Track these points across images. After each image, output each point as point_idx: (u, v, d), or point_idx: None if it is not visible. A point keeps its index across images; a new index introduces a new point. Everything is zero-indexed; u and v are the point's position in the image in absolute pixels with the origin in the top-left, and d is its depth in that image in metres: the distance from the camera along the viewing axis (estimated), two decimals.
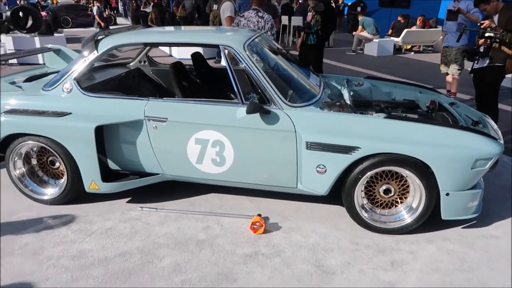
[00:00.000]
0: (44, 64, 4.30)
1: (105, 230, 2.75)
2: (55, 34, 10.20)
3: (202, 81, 3.70)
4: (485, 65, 4.19)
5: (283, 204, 3.10)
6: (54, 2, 24.07)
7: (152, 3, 14.72)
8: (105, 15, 17.03)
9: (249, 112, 2.59)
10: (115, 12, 24.88)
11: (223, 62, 3.24)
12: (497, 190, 3.32)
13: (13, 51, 9.14)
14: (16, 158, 3.03)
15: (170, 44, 3.92)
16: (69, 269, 2.35)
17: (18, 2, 13.32)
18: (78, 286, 2.21)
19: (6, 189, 3.24)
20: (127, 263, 2.40)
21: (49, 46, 4.33)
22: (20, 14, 9.30)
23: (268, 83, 2.69)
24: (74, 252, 2.50)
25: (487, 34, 4.17)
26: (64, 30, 13.71)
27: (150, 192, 3.18)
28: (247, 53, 2.77)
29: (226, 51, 2.80)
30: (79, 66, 2.92)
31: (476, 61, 4.29)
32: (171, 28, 3.95)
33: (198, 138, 2.78)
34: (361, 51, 11.70)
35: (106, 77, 3.51)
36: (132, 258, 2.46)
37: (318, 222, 2.87)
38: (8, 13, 9.57)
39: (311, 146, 2.61)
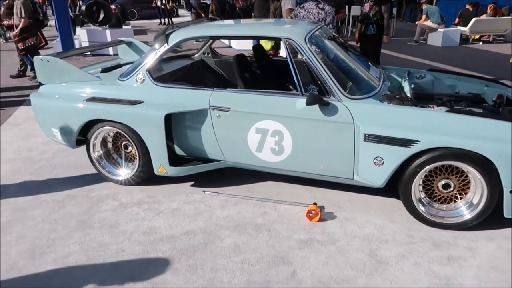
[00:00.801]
0: (117, 55, 4.64)
1: (172, 210, 2.99)
2: (123, 27, 10.86)
3: (263, 72, 3.82)
4: None
5: (338, 194, 3.16)
6: None
7: None
8: (168, 7, 17.74)
9: (308, 103, 2.67)
10: (176, 4, 25.73)
11: (284, 54, 3.33)
12: None
13: (87, 42, 9.90)
14: (95, 141, 3.35)
15: (234, 37, 4.09)
16: (141, 243, 2.60)
17: None
18: (148, 259, 2.44)
19: (85, 169, 3.61)
20: (192, 241, 2.62)
21: (122, 39, 4.67)
22: (93, 8, 10.04)
23: (328, 75, 2.75)
24: (145, 229, 2.76)
25: None
26: (131, 22, 14.44)
27: (211, 177, 3.39)
28: (308, 45, 2.84)
29: (288, 43, 2.90)
30: (151, 58, 3.16)
31: None
32: (234, 21, 4.10)
33: (259, 127, 2.92)
34: (424, 42, 11.21)
35: (173, 68, 3.75)
36: (196, 237, 2.66)
37: (373, 213, 2.91)
38: (83, 8, 10.29)
39: (369, 138, 2.64)
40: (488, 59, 8.92)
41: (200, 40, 3.80)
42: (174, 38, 3.13)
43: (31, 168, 3.71)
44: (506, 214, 2.55)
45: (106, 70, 3.82)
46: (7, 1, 7.63)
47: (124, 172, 3.35)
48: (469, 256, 2.45)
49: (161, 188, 3.29)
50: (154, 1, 19.33)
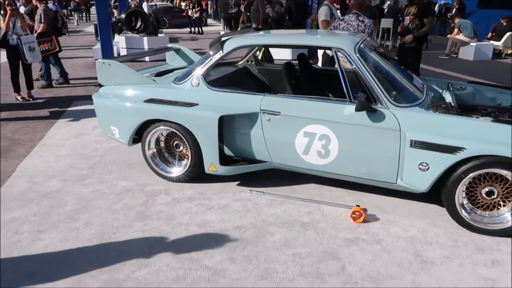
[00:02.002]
0: (165, 61, 4.91)
1: (222, 206, 3.18)
2: (158, 35, 11.30)
3: (307, 79, 4.00)
4: None
5: (380, 198, 3.29)
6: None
7: (242, 6, 15.50)
8: (195, 16, 18.23)
9: (358, 109, 2.83)
10: (205, 13, 26.36)
11: (343, 63, 3.52)
12: None
13: (125, 49, 10.34)
14: (150, 140, 3.59)
15: (286, 46, 4.27)
16: (197, 234, 2.80)
17: (129, 4, 14.80)
18: (206, 248, 2.63)
19: (136, 166, 3.86)
20: (244, 235, 2.79)
21: (169, 45, 4.95)
22: (132, 17, 10.51)
23: (376, 83, 2.91)
24: (199, 221, 2.96)
25: None
26: (163, 30, 14.93)
27: (256, 178, 3.57)
28: (357, 55, 3.01)
29: (339, 53, 3.07)
30: (206, 64, 3.38)
31: None
32: (285, 31, 4.31)
33: (307, 131, 3.09)
34: (455, 55, 11.20)
35: (221, 74, 3.97)
36: (247, 231, 2.84)
37: (415, 217, 3.02)
38: (122, 16, 10.76)
39: (415, 144, 2.77)
40: None
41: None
42: (229, 46, 3.35)
43: (87, 163, 3.98)
44: None
45: (159, 74, 4.08)
46: (27, 8, 8.02)
47: (177, 170, 3.57)
48: None
49: (209, 186, 3.49)
50: (185, 11, 19.96)
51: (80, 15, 25.31)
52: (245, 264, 2.48)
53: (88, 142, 4.57)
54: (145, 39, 10.37)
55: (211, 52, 3.42)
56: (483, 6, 14.55)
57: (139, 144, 3.71)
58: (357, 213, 2.97)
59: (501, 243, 2.71)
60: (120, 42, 10.51)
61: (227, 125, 3.34)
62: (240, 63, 4.50)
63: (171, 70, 4.28)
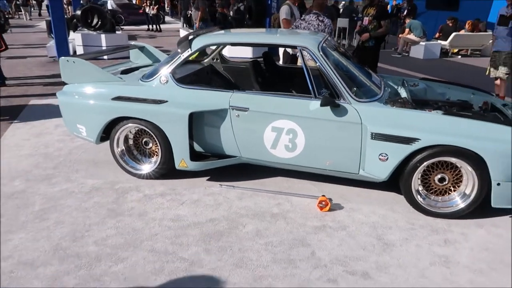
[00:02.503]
0: (127, 59, 4.88)
1: (194, 201, 3.25)
2: (116, 32, 11.04)
3: (272, 77, 4.14)
4: None
5: (343, 188, 3.49)
6: None
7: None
8: (153, 13, 17.94)
9: (322, 105, 3.01)
10: (163, 11, 25.93)
11: (299, 61, 3.66)
12: None
13: (82, 46, 10.03)
14: (119, 138, 3.58)
15: (253, 44, 4.39)
16: (171, 228, 2.86)
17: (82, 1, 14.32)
18: (181, 241, 2.70)
19: (103, 164, 3.84)
20: (217, 227, 2.89)
21: (133, 43, 4.92)
22: (88, 13, 10.22)
23: (339, 80, 3.10)
24: (172, 216, 3.01)
25: None
26: (119, 27, 14.58)
27: (226, 172, 3.66)
28: (321, 53, 3.18)
29: (303, 51, 3.23)
30: (175, 62, 3.43)
31: None
32: (251, 30, 4.42)
33: (275, 126, 3.22)
34: (407, 54, 11.82)
35: (188, 71, 4.02)
36: (220, 223, 2.94)
37: (376, 205, 3.25)
38: (77, 12, 10.43)
39: (375, 136, 2.99)
40: (466, 71, 9.54)
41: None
42: (197, 44, 3.41)
43: (52, 163, 3.90)
44: (494, 204, 2.93)
45: (125, 72, 4.07)
46: None
47: (147, 166, 3.59)
48: (463, 240, 2.81)
49: (180, 182, 3.55)
50: (142, 8, 19.55)
51: (31, 10, 24.11)
52: (220, 254, 2.58)
53: (51, 141, 4.46)
54: (103, 36, 10.12)
55: (179, 50, 3.47)
56: (430, 8, 15.42)
57: (105, 143, 3.70)
58: (323, 202, 3.15)
59: (452, 224, 2.98)
60: (76, 39, 10.19)
61: (197, 122, 3.41)
62: (205, 61, 4.56)
63: (137, 68, 4.27)
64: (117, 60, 5.21)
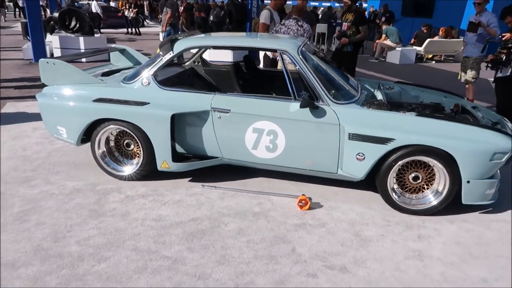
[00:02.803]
0: (109, 61, 4.87)
1: (176, 201, 3.28)
2: (95, 35, 10.94)
3: (253, 79, 4.22)
4: (508, 73, 4.61)
5: (322, 187, 3.59)
6: None
7: (182, 7, 15.47)
8: (132, 16, 17.84)
9: (302, 106, 3.10)
10: (142, 14, 25.73)
11: (279, 65, 3.74)
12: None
13: (59, 49, 9.89)
14: (100, 139, 3.58)
15: (234, 48, 4.45)
16: (154, 227, 2.89)
17: (60, 3, 14.14)
18: (164, 240, 2.73)
19: (83, 166, 3.82)
20: (200, 226, 2.93)
21: (113, 45, 4.92)
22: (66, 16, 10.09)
23: (318, 83, 3.20)
24: (154, 216, 3.04)
25: (509, 45, 4.60)
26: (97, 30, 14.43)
27: (206, 173, 3.70)
28: (300, 57, 3.28)
29: (284, 55, 3.32)
30: (157, 64, 3.47)
31: (499, 70, 4.72)
32: (232, 34, 4.49)
33: (256, 127, 3.30)
34: (383, 59, 12.13)
35: (170, 74, 4.06)
36: (202, 222, 2.98)
37: (354, 203, 3.35)
38: (55, 14, 10.28)
39: (353, 136, 3.10)
40: (439, 76, 9.87)
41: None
42: (179, 47, 3.46)
43: (31, 165, 3.86)
44: (464, 201, 3.09)
45: (105, 74, 4.08)
46: None
47: (128, 168, 3.60)
48: (436, 235, 2.94)
49: (161, 183, 3.57)
50: (121, 11, 19.39)
51: (6, 12, 23.56)
52: (203, 252, 2.63)
53: (28, 144, 4.40)
54: (81, 39, 10.01)
55: (161, 53, 3.51)
56: (406, 14, 15.90)
57: (84, 145, 3.70)
58: (303, 201, 3.23)
59: (426, 220, 3.12)
60: (53, 41, 10.04)
61: (179, 123, 3.45)
62: (187, 64, 4.61)
63: (118, 70, 4.29)
64: (95, 63, 5.18)
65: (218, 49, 6.10)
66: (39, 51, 9.11)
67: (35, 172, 3.71)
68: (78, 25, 10.21)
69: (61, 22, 10.07)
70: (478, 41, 5.82)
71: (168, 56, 3.46)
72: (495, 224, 3.11)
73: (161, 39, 10.51)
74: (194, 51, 4.47)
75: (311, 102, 3.13)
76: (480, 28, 5.77)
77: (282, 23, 5.38)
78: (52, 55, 9.90)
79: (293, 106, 3.21)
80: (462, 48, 6.63)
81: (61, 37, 10.00)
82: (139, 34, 17.66)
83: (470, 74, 6.13)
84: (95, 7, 17.99)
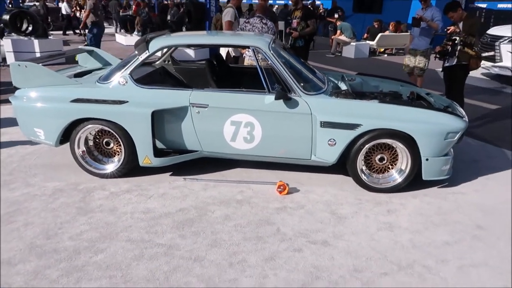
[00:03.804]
0: (77, 63, 4.86)
1: (161, 194, 3.41)
2: (49, 37, 10.60)
3: (226, 75, 4.40)
4: (454, 63, 5.09)
5: (297, 174, 3.85)
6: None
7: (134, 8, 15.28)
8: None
9: (277, 98, 3.33)
10: None
11: (248, 60, 3.92)
12: (463, 162, 4.20)
13: (12, 52, 9.53)
14: (79, 139, 3.62)
15: (208, 46, 4.60)
16: (144, 219, 3.01)
17: (9, 5, 13.52)
18: (155, 230, 2.87)
19: (61, 167, 3.85)
20: (188, 215, 3.09)
21: (80, 47, 4.92)
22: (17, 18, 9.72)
23: (289, 76, 3.44)
24: (142, 209, 3.16)
25: (453, 38, 5.08)
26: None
27: (187, 167, 3.85)
28: (271, 52, 3.51)
29: (256, 51, 3.53)
30: (133, 63, 3.56)
31: (446, 60, 5.18)
32: (203, 32, 4.63)
33: (233, 120, 3.49)
34: (339, 54, 12.66)
35: (144, 73, 4.15)
36: (190, 212, 3.14)
37: (327, 186, 3.64)
38: (5, 17, 9.85)
39: (324, 124, 3.37)
40: (392, 68, 10.47)
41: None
42: (155, 46, 3.58)
43: (6, 170, 3.82)
44: (424, 177, 3.45)
45: (79, 75, 4.10)
46: None
47: (111, 166, 3.67)
48: (402, 208, 3.28)
49: (144, 179, 3.68)
50: (73, 13, 18.77)
51: None
52: (195, 238, 2.79)
53: None
54: (36, 42, 9.67)
55: (136, 52, 3.61)
56: (356, 11, 16.63)
57: (58, 148, 3.75)
58: (281, 187, 3.47)
59: (393, 197, 3.45)
60: (5, 45, 9.62)
61: (158, 120, 3.57)
62: (157, 63, 4.70)
63: (89, 71, 4.32)
64: (55, 67, 5.09)
65: (192, 48, 6.21)
66: None
67: (12, 176, 3.69)
68: (31, 27, 9.86)
69: (12, 25, 9.69)
70: (422, 34, 6.24)
71: (144, 56, 3.57)
72: (451, 196, 3.50)
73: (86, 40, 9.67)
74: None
75: (284, 94, 3.36)
76: (423, 22, 6.19)
77: (246, 21, 5.58)
78: (4, 59, 9.54)
79: (268, 99, 3.43)
80: (409, 41, 7.04)
81: (14, 40, 9.61)
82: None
83: (419, 64, 6.47)
84: (65, 9, 17.40)
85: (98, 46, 8.83)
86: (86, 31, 10.21)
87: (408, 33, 12.30)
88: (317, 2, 21.03)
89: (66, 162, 3.90)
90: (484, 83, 8.50)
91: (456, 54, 5.04)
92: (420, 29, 6.26)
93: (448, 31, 5.24)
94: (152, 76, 4.26)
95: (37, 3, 22.23)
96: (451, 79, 5.31)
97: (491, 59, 8.34)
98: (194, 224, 2.98)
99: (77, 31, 16.72)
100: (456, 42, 5.00)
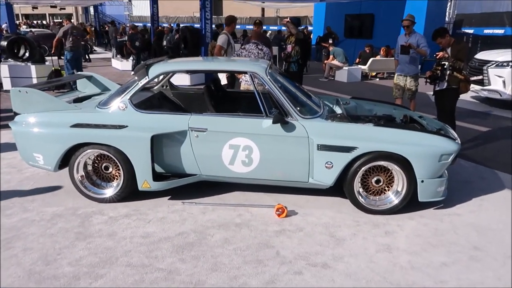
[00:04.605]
0: (75, 88, 4.93)
1: (159, 218, 3.42)
2: (46, 63, 10.71)
3: (224, 100, 4.49)
4: (444, 87, 5.23)
5: (294, 197, 3.88)
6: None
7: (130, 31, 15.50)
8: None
9: (274, 122, 3.40)
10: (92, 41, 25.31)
11: (245, 85, 4.02)
12: (457, 183, 4.26)
13: (9, 78, 9.61)
14: (78, 164, 3.65)
15: (207, 71, 4.70)
16: (143, 244, 3.01)
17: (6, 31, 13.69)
18: (155, 255, 2.87)
19: (59, 193, 3.85)
20: (187, 239, 3.09)
21: (79, 73, 5.00)
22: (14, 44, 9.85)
23: (286, 100, 3.53)
24: (141, 233, 3.16)
25: (442, 63, 5.23)
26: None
27: (185, 191, 3.87)
28: (268, 77, 3.60)
29: (253, 76, 3.63)
30: (133, 89, 3.63)
31: (437, 85, 5.33)
32: (200, 58, 4.75)
33: (232, 144, 3.54)
34: (332, 78, 12.89)
35: (142, 98, 4.22)
36: (189, 235, 3.15)
37: (325, 208, 3.67)
38: (2, 43, 9.97)
39: (321, 147, 3.44)
40: (383, 91, 10.68)
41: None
42: (154, 71, 3.67)
43: (3, 195, 3.81)
44: (420, 198, 3.51)
45: (78, 100, 4.16)
46: None
47: (109, 190, 3.68)
48: (399, 230, 3.31)
49: (142, 203, 3.69)
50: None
51: None
52: (195, 262, 2.79)
53: None
54: (33, 67, 9.77)
55: (136, 78, 3.69)
56: (348, 36, 17.05)
57: (55, 173, 3.78)
58: (280, 209, 3.50)
59: (390, 218, 3.49)
60: (2, 71, 9.72)
61: (157, 144, 3.61)
62: (155, 88, 4.78)
63: (88, 97, 4.38)
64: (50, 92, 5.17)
65: (192, 73, 6.34)
66: None
67: (9, 202, 3.68)
68: (28, 53, 9.98)
69: (10, 51, 9.80)
70: (410, 60, 6.35)
71: (144, 81, 3.64)
72: (447, 217, 3.54)
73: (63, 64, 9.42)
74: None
75: (282, 118, 3.44)
76: (412, 49, 6.28)
77: (242, 47, 5.73)
78: (0, 85, 9.62)
79: (266, 123, 3.50)
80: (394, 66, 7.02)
81: (11, 66, 9.71)
82: (89, 61, 17.38)
83: (411, 88, 6.54)
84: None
85: (79, 70, 8.97)
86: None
87: None
88: (310, 28, 21.56)
89: (64, 187, 3.91)
90: (474, 106, 8.69)
91: (446, 79, 5.19)
92: (409, 57, 6.36)
93: (437, 57, 5.40)
94: (151, 101, 4.33)
95: (33, 29, 22.57)
96: (443, 102, 5.44)
97: (480, 82, 8.56)
98: (194, 248, 2.98)
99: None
100: (445, 67, 5.16)
